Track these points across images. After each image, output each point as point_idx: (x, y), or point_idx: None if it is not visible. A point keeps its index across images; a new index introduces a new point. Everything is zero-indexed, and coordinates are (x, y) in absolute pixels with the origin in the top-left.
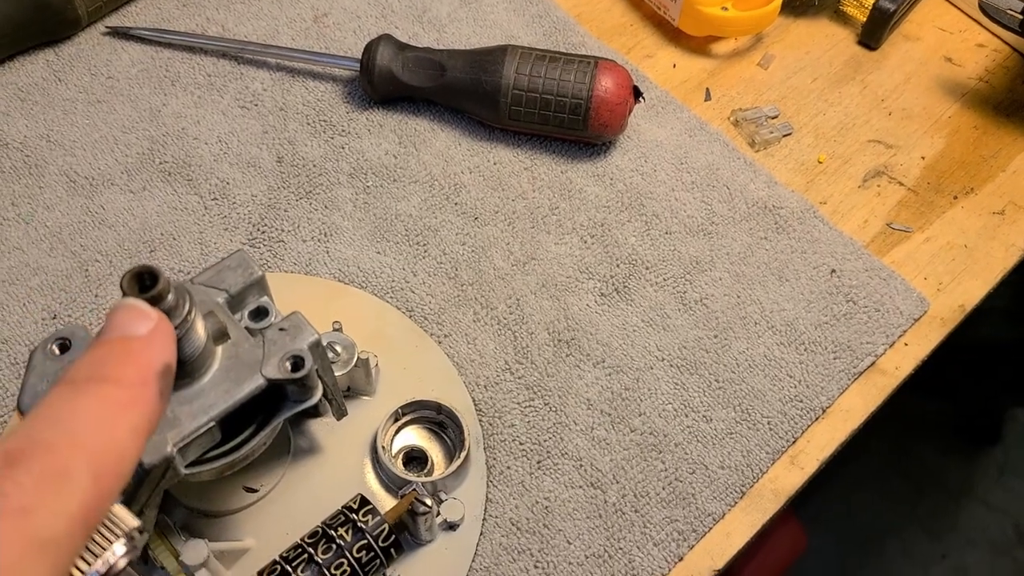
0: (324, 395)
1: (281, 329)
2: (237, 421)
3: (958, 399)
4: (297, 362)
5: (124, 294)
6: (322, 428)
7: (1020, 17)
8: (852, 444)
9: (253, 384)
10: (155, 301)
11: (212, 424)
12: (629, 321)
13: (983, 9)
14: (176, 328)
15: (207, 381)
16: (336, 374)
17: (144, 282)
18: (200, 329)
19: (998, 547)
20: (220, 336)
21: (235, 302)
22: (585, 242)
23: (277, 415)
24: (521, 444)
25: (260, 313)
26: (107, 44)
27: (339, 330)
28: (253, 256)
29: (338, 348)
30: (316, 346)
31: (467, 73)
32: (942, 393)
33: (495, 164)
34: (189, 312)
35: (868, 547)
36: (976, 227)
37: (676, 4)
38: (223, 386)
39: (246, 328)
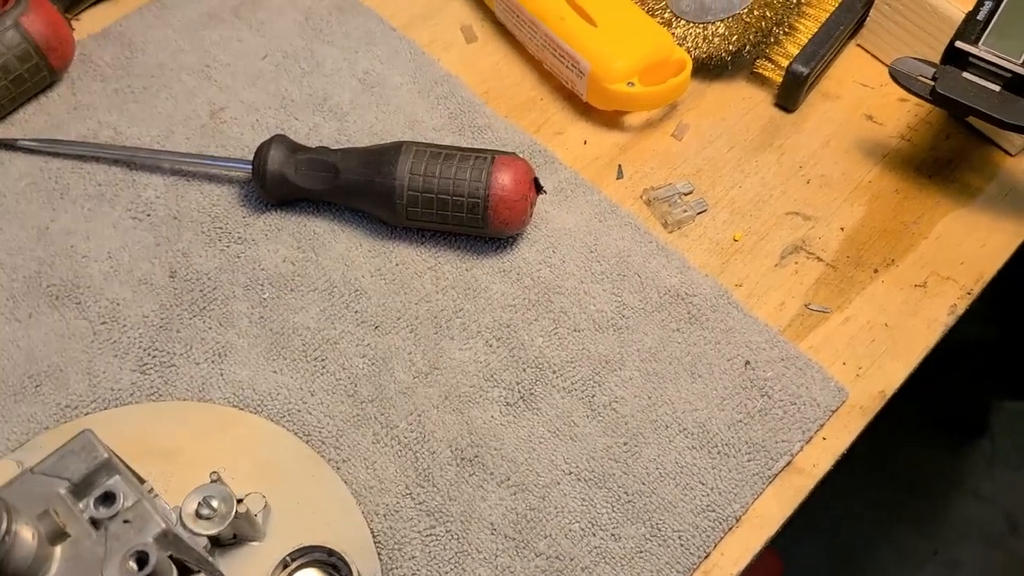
0: (190, 570)
1: (125, 521)
2: None
3: (939, 395)
4: (143, 559)
5: None
6: None
7: (931, 84)
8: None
9: None
10: None
11: None
12: (535, 432)
13: (893, 77)
14: None
15: None
16: (214, 531)
17: None
18: (27, 538)
19: (991, 539)
20: (57, 537)
21: (82, 487)
22: (491, 345)
23: None
24: None
25: (108, 499)
26: None
27: (217, 480)
28: (143, 385)
29: (215, 504)
30: (164, 536)
31: (361, 174)
32: (922, 391)
33: (397, 265)
34: (7, 531)
35: (856, 552)
36: (897, 303)
37: (583, 81)
38: None
39: (92, 519)
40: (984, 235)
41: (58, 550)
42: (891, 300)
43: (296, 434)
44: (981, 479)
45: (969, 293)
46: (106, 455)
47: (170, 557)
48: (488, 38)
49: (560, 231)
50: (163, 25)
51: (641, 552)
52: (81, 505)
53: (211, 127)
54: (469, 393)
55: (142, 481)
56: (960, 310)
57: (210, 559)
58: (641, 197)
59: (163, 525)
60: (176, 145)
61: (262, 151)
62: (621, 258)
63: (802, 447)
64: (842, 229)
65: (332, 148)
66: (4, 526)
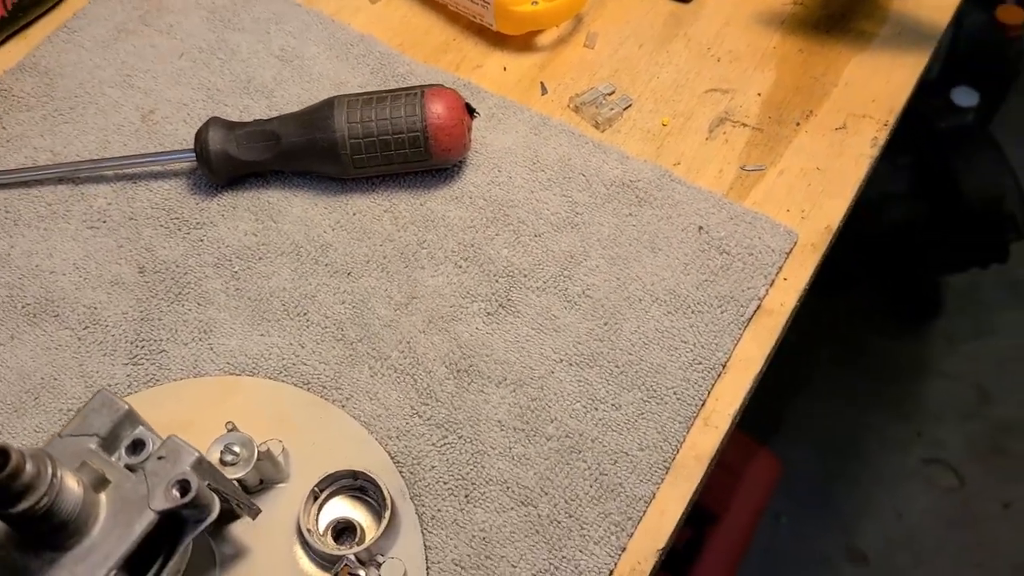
0: (227, 502)
1: (160, 458)
2: (144, 557)
3: (890, 284)
4: (184, 486)
5: None
6: (243, 528)
7: None
8: (804, 356)
9: (145, 521)
10: (12, 479)
11: (114, 573)
12: (520, 332)
13: None
14: (45, 496)
15: (97, 532)
16: (240, 474)
17: None
18: (73, 486)
19: (965, 412)
20: (100, 483)
21: (110, 441)
22: (460, 267)
23: (181, 540)
24: (445, 484)
25: (137, 446)
26: None
27: (233, 429)
28: (138, 375)
29: (236, 449)
30: (199, 464)
31: (301, 135)
32: (873, 283)
33: (355, 215)
34: (54, 476)
35: (846, 447)
36: (823, 147)
37: (489, 10)
38: (115, 532)
39: (127, 466)
40: (887, 72)
41: (102, 496)
42: (817, 146)
43: (296, 385)
44: (945, 357)
45: (886, 124)
46: (127, 406)
47: (209, 488)
48: None
49: (501, 151)
50: (75, 48)
51: (643, 414)
52: (113, 458)
53: (145, 129)
54: (450, 313)
55: None
56: (881, 141)
57: (241, 491)
58: (568, 106)
59: (197, 453)
60: (115, 153)
61: (201, 135)
62: (563, 163)
63: (767, 290)
64: (759, 94)
65: (267, 119)
66: (49, 473)
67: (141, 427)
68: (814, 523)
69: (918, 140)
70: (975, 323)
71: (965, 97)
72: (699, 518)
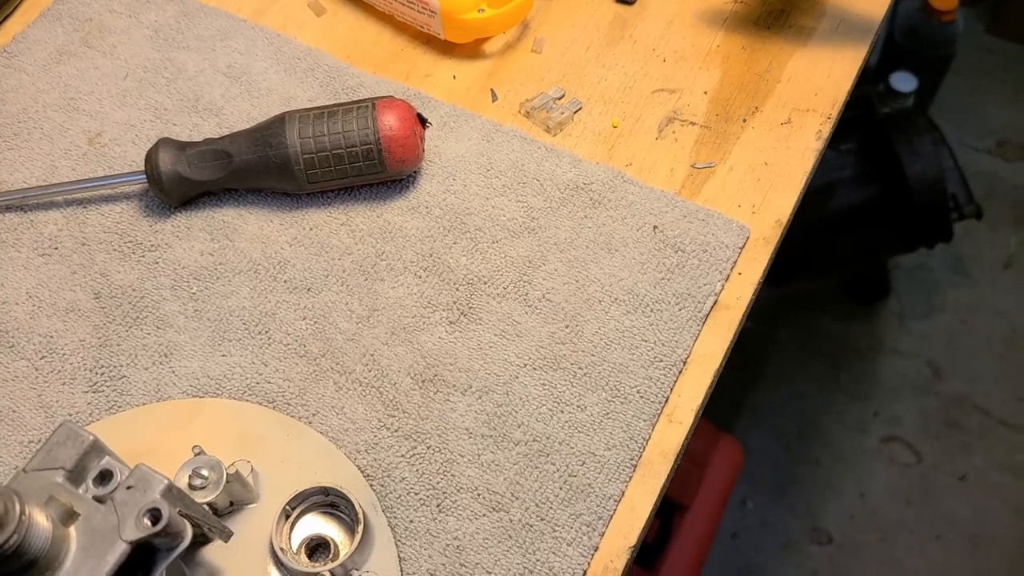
0: (199, 527)
1: (129, 487)
2: None
3: (843, 269)
4: (155, 515)
5: None
6: (216, 551)
7: None
8: (762, 342)
9: (117, 553)
10: None
11: None
12: (483, 339)
13: None
14: (14, 534)
15: (68, 567)
16: (210, 498)
17: None
18: (42, 522)
19: (919, 388)
20: (68, 517)
21: (77, 473)
22: (420, 277)
23: (154, 569)
24: (417, 494)
25: (105, 477)
26: None
27: (200, 453)
28: (99, 403)
29: (204, 472)
30: (169, 491)
31: (253, 153)
32: (824, 267)
33: (312, 230)
34: (22, 513)
35: (807, 430)
36: (770, 142)
37: (435, 19)
38: (87, 566)
39: (95, 497)
40: (828, 66)
41: (72, 530)
42: (764, 142)
43: (261, 404)
44: (898, 336)
45: (829, 118)
46: (92, 437)
47: (180, 514)
48: (336, 8)
49: (455, 160)
50: (15, 72)
51: (608, 414)
52: (80, 490)
53: (92, 153)
54: (412, 323)
55: None
56: (825, 134)
57: (212, 515)
58: (519, 111)
59: (166, 481)
60: (63, 178)
61: (152, 156)
62: (516, 168)
63: (723, 285)
64: (705, 93)
65: (218, 137)
66: (17, 509)
67: (108, 457)
68: (779, 506)
69: (862, 126)
70: (925, 301)
71: (904, 82)
72: (667, 509)
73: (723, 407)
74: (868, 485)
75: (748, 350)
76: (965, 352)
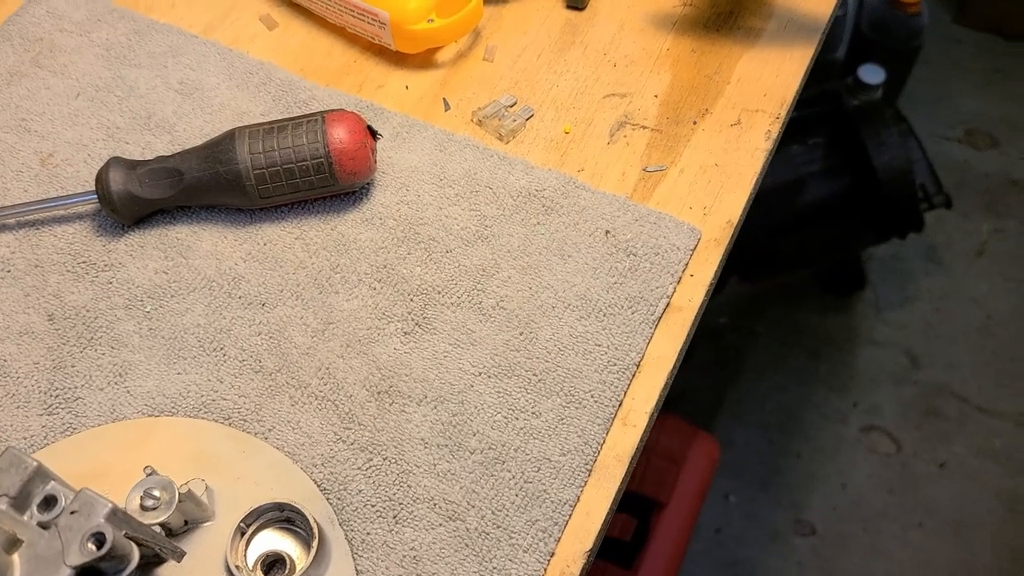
0: (149, 548)
1: (73, 512)
2: None
3: (814, 261)
4: (99, 539)
5: None
6: (170, 572)
7: None
8: (740, 338)
9: None
10: None
11: None
12: (438, 349)
13: None
14: None
15: None
16: (163, 518)
17: None
18: None
19: (898, 378)
20: (12, 544)
21: (21, 499)
22: (374, 288)
23: None
24: (373, 506)
25: (49, 502)
26: None
27: (152, 473)
28: (54, 425)
29: (156, 493)
30: (114, 514)
31: (204, 170)
32: (798, 262)
33: (265, 245)
34: None
35: (788, 423)
36: (720, 144)
37: (386, 30)
38: None
39: (39, 523)
40: (777, 66)
41: (15, 557)
42: (714, 143)
43: (217, 421)
44: (874, 326)
45: (778, 118)
46: (36, 463)
47: (127, 537)
48: (288, 21)
49: (407, 170)
50: None
51: (562, 420)
52: (25, 516)
53: (44, 174)
54: (367, 335)
55: None
56: (775, 134)
57: (163, 535)
58: (472, 120)
59: (110, 505)
60: (14, 200)
61: (102, 176)
62: (469, 177)
63: (675, 288)
64: (656, 96)
65: (169, 155)
66: None
67: (53, 482)
68: (762, 500)
69: (830, 120)
70: (900, 291)
71: (872, 74)
72: (644, 507)
73: (705, 403)
74: (850, 475)
75: (728, 346)
76: (941, 340)
